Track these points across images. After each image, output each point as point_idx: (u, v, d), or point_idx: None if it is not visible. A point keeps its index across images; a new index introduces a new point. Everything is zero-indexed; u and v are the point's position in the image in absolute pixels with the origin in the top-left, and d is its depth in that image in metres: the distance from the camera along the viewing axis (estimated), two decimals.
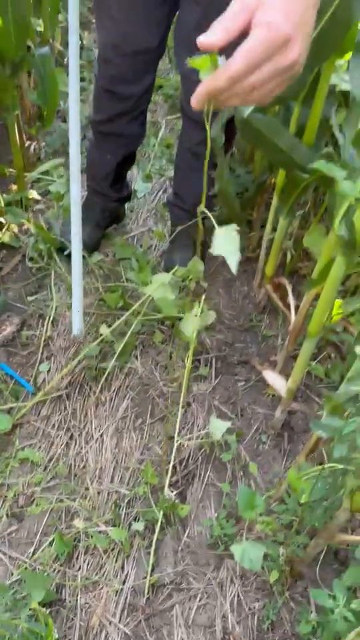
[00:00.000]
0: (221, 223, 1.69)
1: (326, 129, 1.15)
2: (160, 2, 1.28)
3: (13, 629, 0.85)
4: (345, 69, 1.12)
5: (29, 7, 1.41)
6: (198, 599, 1.05)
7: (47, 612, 0.97)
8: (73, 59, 1.12)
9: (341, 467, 0.80)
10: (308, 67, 1.01)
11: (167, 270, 1.66)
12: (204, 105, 0.58)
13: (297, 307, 1.32)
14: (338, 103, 1.14)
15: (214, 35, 0.53)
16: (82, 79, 2.46)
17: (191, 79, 1.31)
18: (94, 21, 2.75)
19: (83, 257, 1.63)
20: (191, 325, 1.18)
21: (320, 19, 0.94)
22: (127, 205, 1.84)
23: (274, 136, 1.06)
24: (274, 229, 1.45)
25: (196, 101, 0.58)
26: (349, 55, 1.03)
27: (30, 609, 0.93)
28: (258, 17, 0.54)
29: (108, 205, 1.72)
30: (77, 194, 1.26)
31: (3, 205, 1.69)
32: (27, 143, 1.94)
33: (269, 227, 1.48)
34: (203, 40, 0.54)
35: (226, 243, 0.56)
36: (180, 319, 1.51)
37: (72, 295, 1.39)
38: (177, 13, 1.33)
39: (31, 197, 1.80)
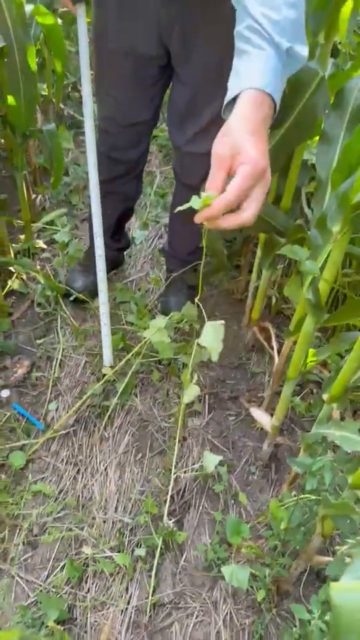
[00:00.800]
0: (211, 270, 1.85)
1: (300, 195, 1.32)
2: (154, 81, 1.45)
3: None
4: (315, 146, 1.29)
5: (36, 83, 1.59)
6: (195, 616, 1.17)
7: (62, 629, 1.09)
8: (89, 132, 1.31)
9: (313, 497, 0.94)
10: (284, 149, 1.18)
11: (164, 313, 1.82)
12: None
13: (279, 349, 1.47)
14: (311, 175, 1.31)
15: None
16: (81, 131, 2.66)
17: (182, 150, 1.49)
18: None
19: (86, 301, 1.79)
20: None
21: (292, 113, 1.12)
22: (125, 252, 2.01)
23: None
24: (259, 277, 1.62)
25: (197, 220, 0.74)
26: (317, 138, 1.20)
27: (47, 627, 1.05)
28: (241, 159, 0.72)
29: (109, 254, 1.88)
30: (101, 246, 1.45)
31: (12, 254, 1.86)
32: (33, 196, 2.11)
33: (254, 275, 1.64)
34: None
35: (212, 336, 0.73)
36: (176, 359, 1.67)
37: (102, 332, 1.54)
38: (170, 88, 1.50)
39: (37, 246, 1.97)
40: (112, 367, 1.58)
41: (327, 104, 1.10)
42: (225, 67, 1.28)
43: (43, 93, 2.13)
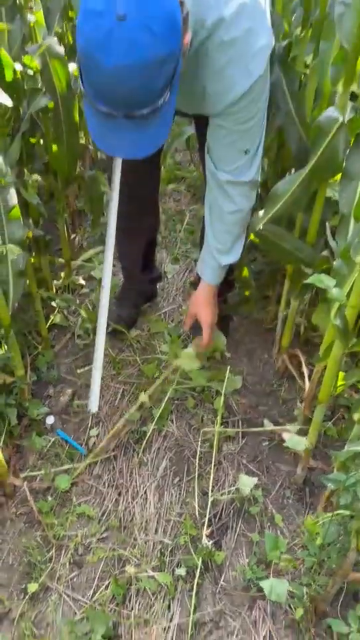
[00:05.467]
0: (241, 301, 1.95)
1: (324, 229, 1.41)
2: None
3: None
4: (337, 182, 1.38)
5: (79, 135, 1.74)
6: (235, 635, 1.21)
7: None
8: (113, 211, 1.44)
9: (347, 513, 0.99)
10: (309, 188, 1.28)
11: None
12: None
13: (310, 375, 1.53)
14: (333, 210, 1.39)
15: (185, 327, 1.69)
16: None
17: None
18: None
19: (122, 332, 1.89)
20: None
21: (314, 156, 1.22)
22: (158, 285, 2.11)
23: (282, 241, 1.31)
24: (287, 306, 1.69)
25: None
26: (339, 175, 1.30)
27: None
28: (202, 319, 1.56)
29: (142, 287, 2.00)
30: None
31: (54, 291, 1.98)
32: (72, 236, 2.25)
33: (283, 304, 1.72)
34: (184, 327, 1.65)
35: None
36: (209, 387, 1.74)
37: (93, 380, 1.61)
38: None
39: (76, 282, 2.09)
40: (94, 414, 1.64)
41: (347, 145, 1.20)
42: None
43: (81, 140, 2.29)
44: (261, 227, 1.28)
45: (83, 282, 2.12)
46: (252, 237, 1.34)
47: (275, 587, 0.99)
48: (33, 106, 1.43)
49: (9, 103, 1.24)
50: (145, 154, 1.00)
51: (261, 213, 1.30)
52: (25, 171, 1.36)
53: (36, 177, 1.32)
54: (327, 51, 1.18)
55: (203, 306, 1.52)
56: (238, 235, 1.39)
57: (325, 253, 1.31)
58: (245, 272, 1.67)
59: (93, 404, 1.64)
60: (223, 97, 1.15)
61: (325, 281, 0.96)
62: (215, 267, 1.45)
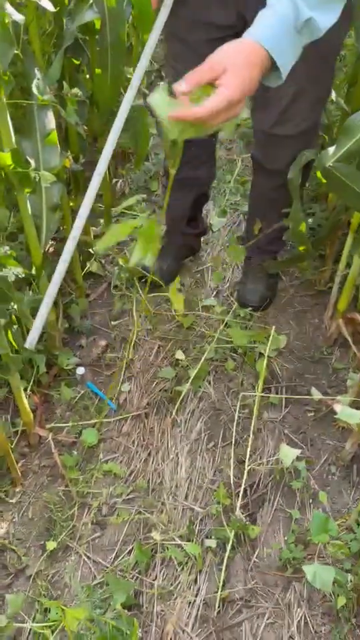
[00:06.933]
0: (293, 258, 1.76)
1: None
2: None
3: (103, 624, 0.94)
4: None
5: (124, 59, 1.57)
6: (266, 617, 1.10)
7: (127, 614, 1.05)
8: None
9: None
10: None
11: (240, 302, 1.75)
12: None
13: None
14: None
15: (182, 86, 0.80)
16: None
17: (266, 133, 1.41)
18: None
19: (161, 286, 1.75)
20: None
21: None
22: (202, 239, 1.96)
23: (354, 182, 1.13)
24: (348, 265, 1.51)
25: (170, 115, 0.81)
26: None
27: (114, 610, 1.02)
28: (224, 81, 0.80)
29: (186, 240, 1.85)
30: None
31: (92, 237, 1.86)
32: (114, 180, 2.11)
33: (342, 263, 1.54)
34: (175, 87, 0.80)
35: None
36: (252, 348, 1.60)
37: (38, 313, 1.41)
38: None
39: None
40: (33, 351, 1.41)
41: None
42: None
43: (129, 76, 2.12)
44: (331, 164, 1.10)
45: None
46: (318, 174, 1.16)
47: (320, 574, 0.87)
48: (78, 19, 1.27)
49: (50, 7, 1.09)
50: None
51: (332, 148, 1.12)
52: (64, 84, 1.21)
53: (76, 90, 1.17)
54: None
55: (234, 64, 0.82)
56: None
57: None
58: (302, 225, 1.49)
59: (30, 339, 1.47)
60: None
61: None
62: (284, 22, 0.84)
